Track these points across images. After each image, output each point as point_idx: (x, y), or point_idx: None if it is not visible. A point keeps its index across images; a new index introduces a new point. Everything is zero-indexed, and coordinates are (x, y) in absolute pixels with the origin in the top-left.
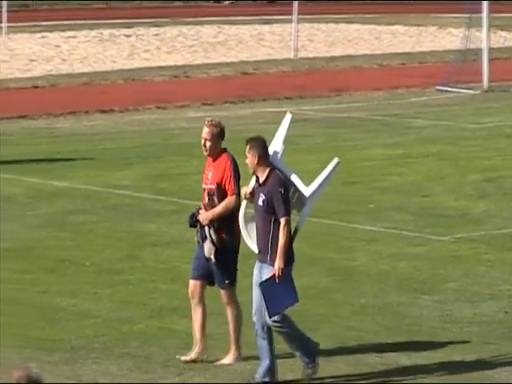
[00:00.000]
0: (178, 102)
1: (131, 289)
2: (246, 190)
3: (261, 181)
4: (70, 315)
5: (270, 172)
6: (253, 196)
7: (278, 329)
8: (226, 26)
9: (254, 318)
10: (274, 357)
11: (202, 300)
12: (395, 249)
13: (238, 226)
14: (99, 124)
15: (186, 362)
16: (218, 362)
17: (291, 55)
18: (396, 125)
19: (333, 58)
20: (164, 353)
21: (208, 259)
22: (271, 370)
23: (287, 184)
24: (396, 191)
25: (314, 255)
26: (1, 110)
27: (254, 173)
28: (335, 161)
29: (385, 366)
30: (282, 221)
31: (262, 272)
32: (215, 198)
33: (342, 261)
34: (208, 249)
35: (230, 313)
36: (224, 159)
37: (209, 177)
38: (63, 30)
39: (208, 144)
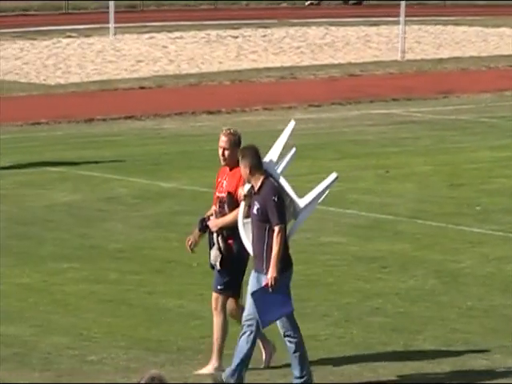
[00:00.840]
0: (285, 103)
1: None
2: (241, 192)
3: (255, 189)
4: (176, 316)
5: (264, 180)
6: (249, 199)
7: (290, 339)
8: (333, 28)
9: (246, 323)
10: (247, 363)
11: (222, 311)
12: (502, 251)
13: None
14: (206, 125)
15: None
16: (197, 372)
17: (398, 57)
18: (503, 127)
19: (440, 60)
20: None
21: (213, 266)
22: (240, 373)
23: (281, 192)
24: (503, 194)
25: (419, 257)
26: (108, 110)
27: (249, 182)
28: (333, 175)
29: (491, 368)
30: (276, 229)
31: (260, 283)
32: (226, 207)
33: (448, 263)
34: (214, 256)
35: (216, 320)
36: (240, 169)
37: (223, 185)
38: (170, 31)
39: (227, 153)
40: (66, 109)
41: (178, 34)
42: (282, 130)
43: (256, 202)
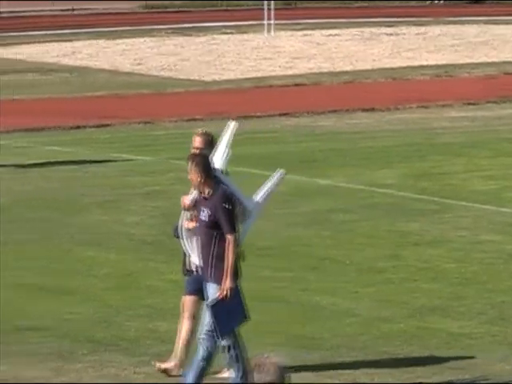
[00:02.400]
0: (440, 101)
1: (392, 288)
2: (184, 201)
3: (205, 195)
4: (329, 313)
5: (215, 186)
6: (194, 208)
7: (229, 351)
8: (490, 26)
9: (201, 336)
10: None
11: (191, 315)
12: None
13: None
14: (361, 122)
15: (159, 370)
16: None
17: None
18: None
19: None
20: (424, 352)
21: (187, 273)
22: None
23: (233, 199)
24: None
25: None
26: (264, 107)
27: (198, 190)
28: (279, 173)
29: None
30: (229, 238)
31: (207, 292)
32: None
33: None
34: (193, 262)
35: (189, 325)
36: None
37: None
38: (325, 28)
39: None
40: (221, 105)
41: (332, 31)
42: (435, 128)
43: (205, 208)
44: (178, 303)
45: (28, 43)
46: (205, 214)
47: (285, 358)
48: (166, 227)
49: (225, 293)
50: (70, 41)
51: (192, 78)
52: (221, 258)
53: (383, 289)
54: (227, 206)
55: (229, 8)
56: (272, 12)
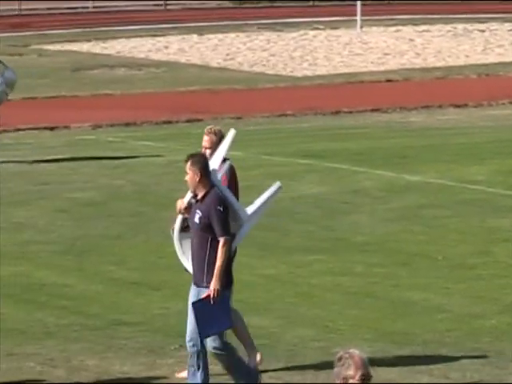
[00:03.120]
0: None
1: (483, 284)
2: (180, 204)
3: (199, 197)
4: (421, 309)
5: (209, 189)
6: (189, 211)
7: (218, 356)
8: None
9: (189, 344)
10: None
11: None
12: None
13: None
14: (452, 118)
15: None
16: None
17: None
18: None
19: None
20: None
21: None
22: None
23: (226, 202)
24: None
25: None
26: (354, 103)
27: (194, 191)
28: (276, 185)
29: None
30: (221, 240)
31: (199, 296)
32: None
33: None
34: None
35: None
36: (220, 171)
37: None
38: (417, 24)
39: (208, 152)
40: (312, 101)
41: (424, 27)
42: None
43: (199, 211)
44: (269, 298)
45: (119, 38)
46: (198, 217)
47: (368, 352)
48: (258, 222)
49: (212, 294)
50: (162, 36)
51: (283, 73)
52: (215, 262)
53: (474, 285)
54: (221, 209)
55: (320, 3)
56: (363, 8)
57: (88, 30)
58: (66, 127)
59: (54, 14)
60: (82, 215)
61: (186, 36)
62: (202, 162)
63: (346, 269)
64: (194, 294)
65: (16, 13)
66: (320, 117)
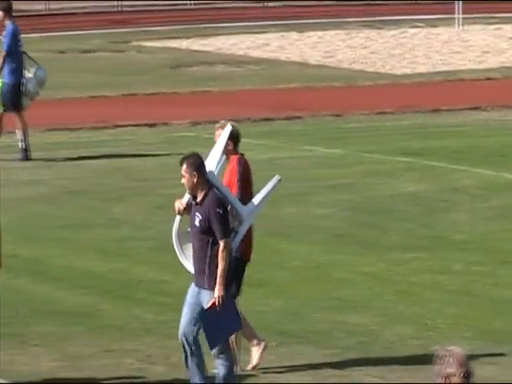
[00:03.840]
0: None
1: None
2: (179, 205)
3: (198, 200)
4: None
5: (208, 191)
6: (188, 212)
7: (223, 362)
8: None
9: (183, 338)
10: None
11: None
12: None
13: (248, 236)
14: None
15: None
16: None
17: None
18: None
19: None
20: None
21: None
22: None
23: (226, 204)
24: None
25: None
26: (454, 101)
27: (192, 193)
28: (276, 178)
29: None
30: (221, 243)
31: (201, 299)
32: None
33: None
34: None
35: None
36: (232, 163)
37: (224, 178)
38: None
39: None
40: (411, 99)
41: None
42: None
43: (198, 214)
44: (368, 295)
45: (218, 35)
46: (198, 220)
47: (467, 350)
48: (358, 220)
49: (216, 301)
50: (261, 33)
51: (382, 71)
52: (216, 264)
53: None
54: (220, 211)
55: (420, 1)
56: (463, 6)
57: (187, 26)
58: (165, 124)
59: (154, 10)
60: None
61: (285, 33)
62: (197, 162)
63: (444, 267)
64: (193, 293)
65: (117, 9)
66: (419, 115)
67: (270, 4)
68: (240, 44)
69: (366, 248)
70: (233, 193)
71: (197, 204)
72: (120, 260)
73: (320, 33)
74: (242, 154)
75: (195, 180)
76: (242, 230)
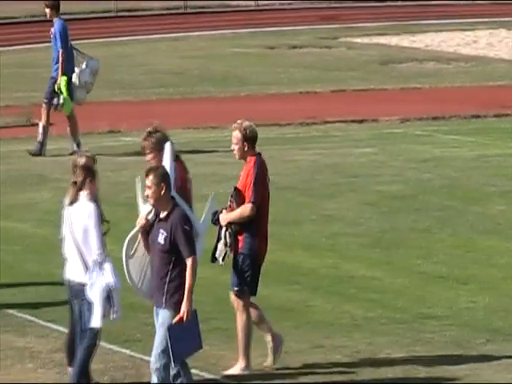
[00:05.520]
0: None
1: None
2: (142, 222)
3: (162, 215)
4: None
5: (173, 206)
6: (148, 228)
7: (177, 379)
8: None
9: (156, 365)
10: None
11: (245, 310)
12: None
13: (263, 236)
14: None
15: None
16: (225, 372)
17: None
18: None
19: None
20: None
21: (214, 260)
22: None
23: (191, 220)
24: None
25: None
26: None
27: (156, 205)
28: (211, 196)
29: None
30: (189, 261)
31: (160, 317)
32: (234, 202)
33: None
34: (219, 250)
35: (238, 320)
36: (249, 164)
37: (240, 179)
38: None
39: (235, 148)
40: None
41: None
42: None
43: (162, 230)
44: None
45: (427, 32)
46: (162, 237)
47: None
48: None
49: (184, 316)
50: (470, 30)
51: None
52: (177, 283)
53: None
54: (187, 228)
55: None
56: None
57: (395, 23)
58: (374, 120)
59: (363, 6)
60: (390, 208)
61: (493, 31)
62: (164, 175)
63: None
64: (155, 314)
65: (326, 5)
66: None
67: (478, 1)
68: (449, 41)
69: None
70: (247, 196)
71: (160, 220)
72: (331, 256)
73: None
74: (259, 154)
75: (162, 192)
76: (200, 248)
